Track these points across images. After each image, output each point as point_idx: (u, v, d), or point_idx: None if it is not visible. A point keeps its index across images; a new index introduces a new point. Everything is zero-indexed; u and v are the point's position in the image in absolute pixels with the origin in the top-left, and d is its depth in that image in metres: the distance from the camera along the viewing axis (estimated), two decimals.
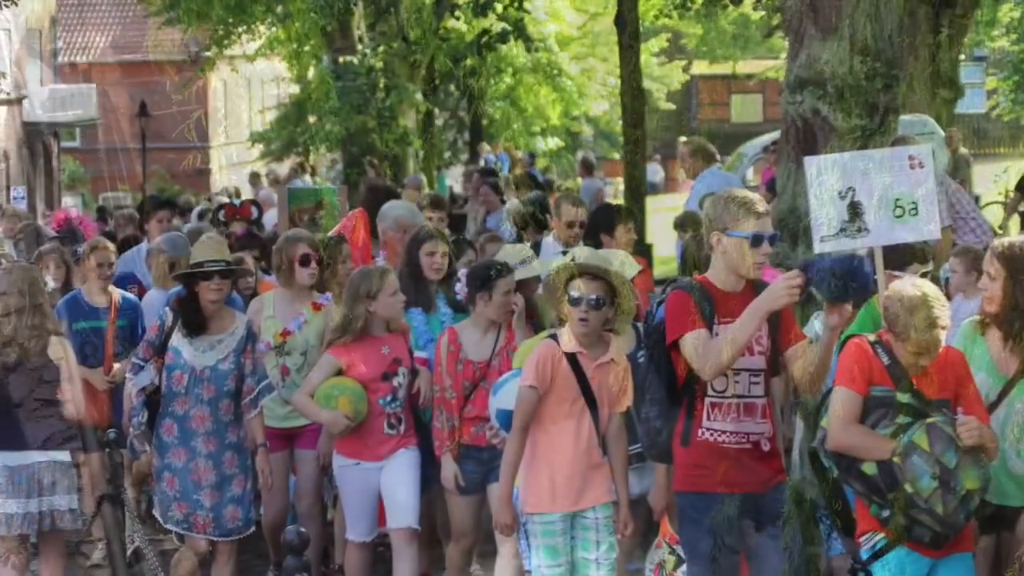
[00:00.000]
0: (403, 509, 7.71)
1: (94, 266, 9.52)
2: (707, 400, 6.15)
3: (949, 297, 7.39)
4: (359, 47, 27.58)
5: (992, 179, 27.46)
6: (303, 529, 6.16)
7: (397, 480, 7.74)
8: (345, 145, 28.31)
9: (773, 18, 24.93)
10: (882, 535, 5.99)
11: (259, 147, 36.77)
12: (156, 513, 8.04)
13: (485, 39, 26.00)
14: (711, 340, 6.03)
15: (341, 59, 26.85)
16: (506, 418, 6.96)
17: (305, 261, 8.54)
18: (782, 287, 5.90)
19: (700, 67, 52.35)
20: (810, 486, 7.18)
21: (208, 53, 31.88)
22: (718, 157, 14.65)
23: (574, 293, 6.64)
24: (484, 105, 40.87)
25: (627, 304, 6.76)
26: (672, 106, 49.11)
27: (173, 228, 12.01)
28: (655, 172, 39.56)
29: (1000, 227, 21.57)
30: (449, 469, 7.74)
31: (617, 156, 42.18)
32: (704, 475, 6.14)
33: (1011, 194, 21.41)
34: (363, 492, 7.80)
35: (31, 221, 14.75)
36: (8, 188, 35.48)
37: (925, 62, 22.06)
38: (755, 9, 29.51)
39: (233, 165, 48.39)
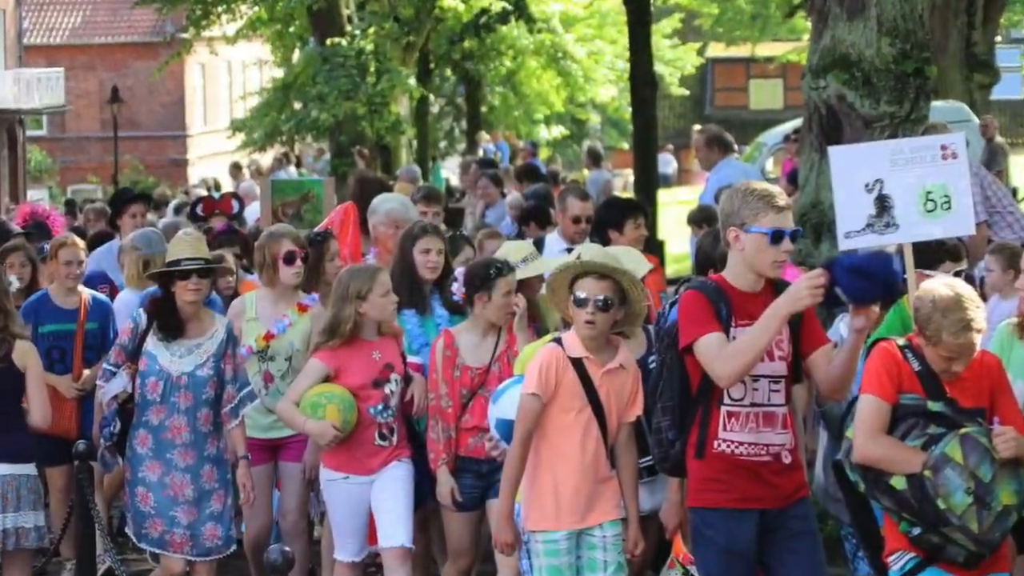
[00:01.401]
0: (395, 526, 7.71)
1: (62, 264, 9.52)
2: (723, 409, 6.15)
3: (984, 297, 7.40)
4: (348, 28, 27.60)
5: None
6: (287, 548, 6.18)
7: (389, 495, 7.74)
8: (333, 134, 28.34)
9: None
10: (912, 554, 5.99)
11: (240, 136, 36.78)
12: (129, 531, 8.04)
13: (484, 19, 26.06)
14: (728, 344, 6.04)
15: (328, 41, 26.86)
16: (507, 428, 6.96)
17: (290, 259, 8.54)
18: (804, 287, 5.91)
19: (716, 50, 52.36)
20: (834, 502, 7.20)
21: (185, 35, 31.91)
22: (735, 147, 14.66)
23: (580, 294, 6.64)
24: (483, 91, 40.94)
25: (637, 305, 6.76)
26: (686, 92, 49.15)
27: (147, 223, 12.01)
28: (667, 163, 39.58)
29: None
30: (445, 484, 7.74)
31: (626, 146, 42.27)
32: (720, 490, 6.14)
33: None
34: (352, 508, 7.81)
35: None
36: None
37: (958, 44, 22.10)
38: None
39: (212, 155, 48.39)
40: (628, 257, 7.48)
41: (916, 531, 5.93)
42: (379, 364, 7.78)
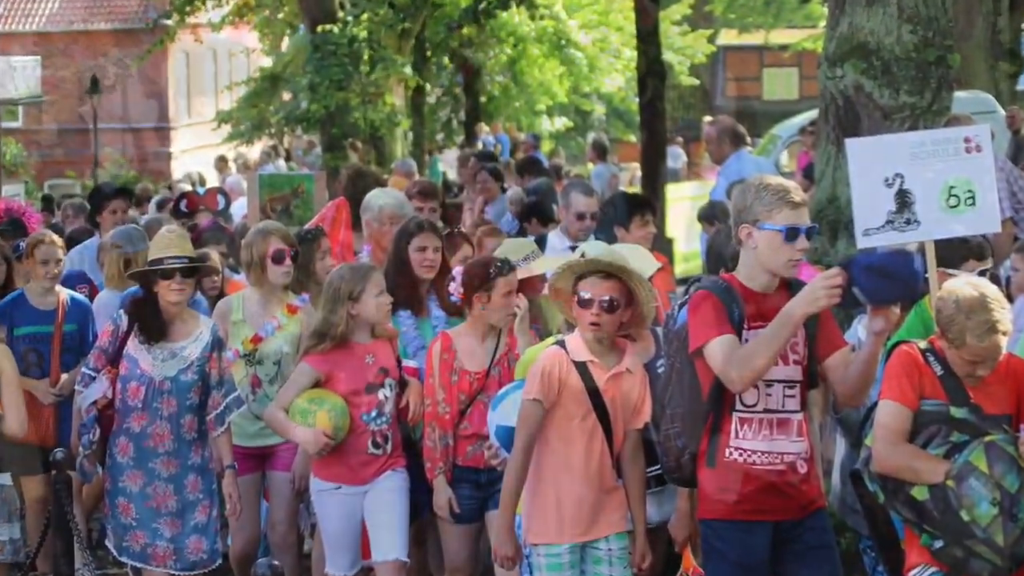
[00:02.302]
0: (390, 539, 7.72)
1: (39, 263, 9.53)
2: (735, 415, 6.16)
3: (1010, 298, 7.40)
4: (340, 14, 27.60)
5: None
6: (276, 562, 6.17)
7: (383, 506, 7.75)
8: (324, 126, 28.32)
9: None
10: (935, 568, 5.99)
11: (226, 128, 36.80)
12: (109, 544, 8.04)
13: (483, 5, 25.98)
14: (740, 347, 6.04)
15: (319, 28, 26.86)
16: (507, 436, 6.96)
17: (278, 258, 8.55)
18: (820, 287, 5.91)
19: (728, 37, 52.38)
20: (852, 513, 7.20)
21: (168, 21, 31.89)
22: (748, 139, 14.67)
23: (584, 294, 6.64)
24: (482, 80, 40.93)
25: (645, 306, 6.76)
26: (696, 81, 49.14)
27: (129, 220, 12.02)
28: (676, 156, 39.56)
29: None
30: (442, 494, 7.75)
31: (633, 138, 42.23)
32: (732, 500, 6.15)
33: None
34: (345, 520, 7.81)
35: None
36: None
37: (983, 31, 22.08)
38: None
39: (197, 148, 48.41)
40: (635, 255, 7.48)
41: (938, 544, 5.93)
42: (372, 368, 7.79)
